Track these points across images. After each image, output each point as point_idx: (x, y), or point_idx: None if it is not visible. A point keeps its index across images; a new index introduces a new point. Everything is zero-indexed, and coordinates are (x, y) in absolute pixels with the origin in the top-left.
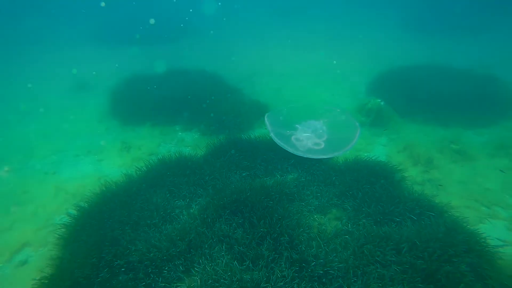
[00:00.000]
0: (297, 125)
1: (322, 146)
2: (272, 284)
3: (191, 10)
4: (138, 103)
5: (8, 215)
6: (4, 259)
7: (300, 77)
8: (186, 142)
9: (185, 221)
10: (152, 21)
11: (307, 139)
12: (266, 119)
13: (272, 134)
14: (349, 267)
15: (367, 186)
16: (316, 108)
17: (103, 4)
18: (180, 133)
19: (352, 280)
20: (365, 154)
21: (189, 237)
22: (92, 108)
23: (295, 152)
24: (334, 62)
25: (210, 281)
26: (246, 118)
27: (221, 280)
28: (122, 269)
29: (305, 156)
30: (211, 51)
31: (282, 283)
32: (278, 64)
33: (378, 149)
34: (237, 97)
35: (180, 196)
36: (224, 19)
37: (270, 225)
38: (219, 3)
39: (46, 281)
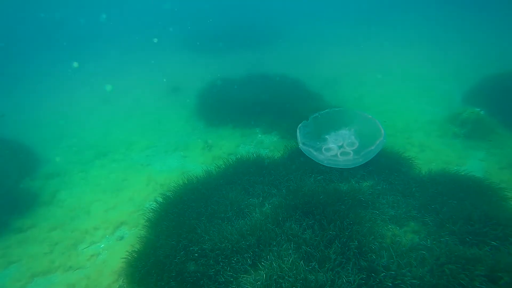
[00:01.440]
0: (326, 136)
1: (351, 155)
2: None
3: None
4: (221, 106)
5: (113, 197)
6: (109, 232)
7: (384, 84)
8: (265, 145)
9: (257, 218)
10: None
11: (336, 149)
12: (298, 131)
13: (300, 146)
14: (425, 285)
15: (454, 202)
16: (346, 114)
17: (155, 40)
18: (259, 136)
19: None
20: (455, 168)
21: (259, 233)
22: (181, 110)
23: (323, 163)
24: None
25: (275, 276)
26: None
27: (286, 277)
28: (196, 255)
29: (333, 166)
30: (293, 57)
31: None
32: (361, 70)
33: (474, 163)
34: (318, 103)
35: (255, 195)
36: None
37: (340, 229)
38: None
39: (136, 255)
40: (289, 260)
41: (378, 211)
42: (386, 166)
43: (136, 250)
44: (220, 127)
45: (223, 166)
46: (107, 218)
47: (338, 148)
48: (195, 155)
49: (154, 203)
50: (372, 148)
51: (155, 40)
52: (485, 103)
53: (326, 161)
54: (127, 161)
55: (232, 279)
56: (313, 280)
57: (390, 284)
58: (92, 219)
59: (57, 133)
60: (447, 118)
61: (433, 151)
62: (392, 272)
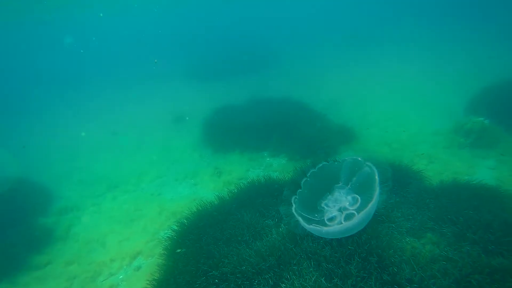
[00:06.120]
0: (323, 205)
1: (357, 217)
2: None
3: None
4: (227, 132)
5: (127, 228)
6: (126, 263)
7: (386, 100)
8: (274, 167)
9: (274, 238)
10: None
11: (339, 216)
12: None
13: (301, 225)
14: None
15: (470, 211)
16: (337, 168)
17: (155, 60)
18: (268, 159)
19: None
20: (466, 177)
21: (278, 253)
22: (188, 138)
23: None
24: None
25: None
26: (331, 143)
27: None
28: (216, 280)
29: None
30: (294, 80)
31: None
32: (362, 88)
33: (484, 172)
34: (323, 122)
35: (269, 216)
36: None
37: (358, 245)
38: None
39: (156, 284)
40: (312, 278)
41: (394, 224)
42: (396, 180)
43: (156, 278)
44: (227, 153)
45: (235, 190)
46: (123, 249)
47: (340, 213)
48: (205, 182)
49: (170, 231)
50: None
51: (155, 60)
52: (487, 112)
53: (333, 233)
54: (138, 192)
55: None
56: None
57: None
58: (108, 251)
59: (68, 168)
60: (451, 129)
61: (442, 163)
62: (416, 285)
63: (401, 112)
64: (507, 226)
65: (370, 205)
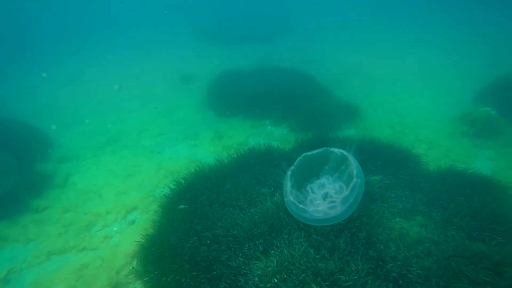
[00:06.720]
0: (308, 188)
1: (339, 209)
2: (346, 276)
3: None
4: (231, 97)
5: (125, 182)
6: (121, 216)
7: (395, 82)
8: (275, 136)
9: (268, 206)
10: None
11: (322, 204)
12: (287, 185)
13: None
14: (431, 276)
15: (461, 198)
16: (326, 156)
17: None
18: (269, 127)
19: None
20: (463, 165)
21: (271, 221)
22: (192, 99)
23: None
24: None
25: (286, 263)
26: (335, 118)
27: (297, 264)
28: (208, 241)
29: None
30: (304, 52)
31: (356, 277)
32: (373, 71)
33: (482, 162)
34: (328, 97)
35: (266, 184)
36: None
37: (349, 220)
38: None
39: (149, 239)
40: (301, 248)
41: (386, 204)
42: (394, 162)
43: (149, 233)
44: (230, 118)
45: (235, 155)
46: (119, 203)
47: (323, 199)
48: (205, 144)
49: (167, 189)
50: (346, 193)
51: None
52: (497, 103)
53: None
54: (138, 148)
55: (243, 266)
56: (323, 267)
57: (395, 274)
58: (104, 203)
59: (70, 118)
60: (457, 117)
61: (442, 149)
62: (399, 263)
63: (409, 96)
64: (494, 215)
65: (351, 200)
